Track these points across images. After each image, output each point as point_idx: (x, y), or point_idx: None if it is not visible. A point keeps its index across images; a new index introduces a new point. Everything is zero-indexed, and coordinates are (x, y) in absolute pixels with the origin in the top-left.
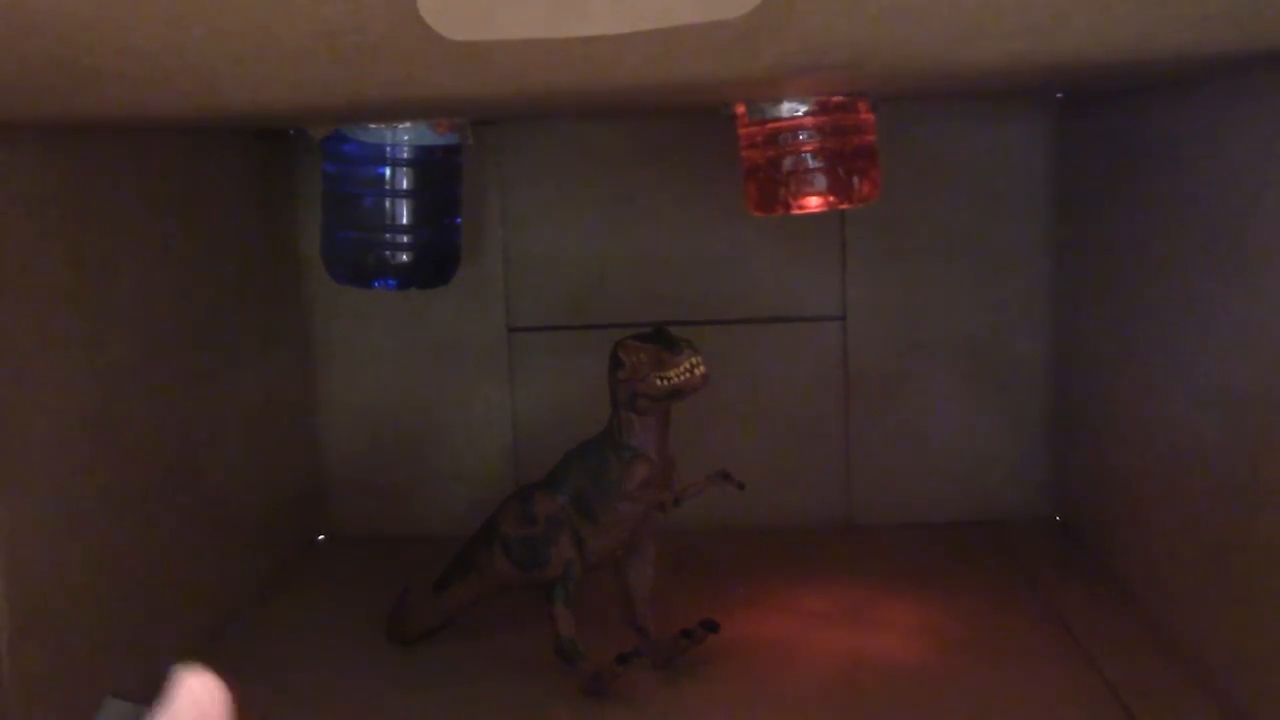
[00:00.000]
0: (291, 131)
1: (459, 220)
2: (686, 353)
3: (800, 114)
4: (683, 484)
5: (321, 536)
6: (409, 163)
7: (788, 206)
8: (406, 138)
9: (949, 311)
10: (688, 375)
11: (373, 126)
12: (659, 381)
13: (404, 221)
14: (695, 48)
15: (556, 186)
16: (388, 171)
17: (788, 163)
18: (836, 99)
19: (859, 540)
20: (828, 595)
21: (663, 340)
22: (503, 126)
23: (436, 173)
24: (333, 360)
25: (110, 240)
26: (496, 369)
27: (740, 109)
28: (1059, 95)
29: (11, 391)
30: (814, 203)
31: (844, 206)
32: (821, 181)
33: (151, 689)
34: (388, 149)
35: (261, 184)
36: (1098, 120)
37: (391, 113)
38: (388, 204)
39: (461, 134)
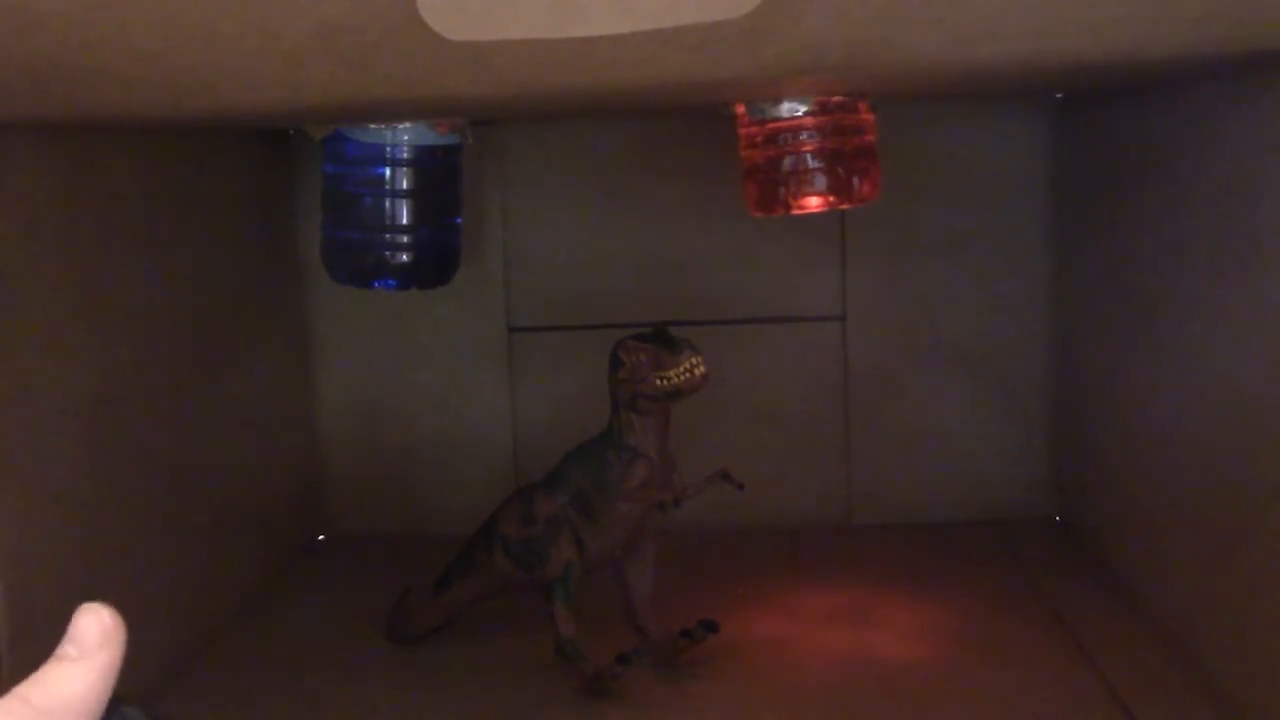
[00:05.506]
0: (291, 131)
1: (459, 220)
2: (686, 353)
3: (800, 114)
4: (683, 484)
5: (321, 536)
6: (409, 163)
7: (788, 206)
8: (406, 138)
9: (949, 311)
10: (688, 375)
11: (373, 126)
12: (659, 381)
13: (404, 221)
14: (695, 48)
15: (556, 186)
16: (388, 171)
17: (788, 163)
18: (836, 99)
19: (859, 540)
20: (828, 595)
21: (663, 340)
22: (503, 126)
23: (436, 173)
24: (333, 360)
25: (110, 240)
26: (496, 369)
27: (740, 109)
28: (1059, 95)
29: (11, 391)
30: (814, 203)
31: (844, 206)
32: (821, 181)
33: (151, 692)
34: (388, 149)
35: (261, 184)
36: (1098, 120)
37: (391, 113)
38: (388, 204)
39: (461, 134)
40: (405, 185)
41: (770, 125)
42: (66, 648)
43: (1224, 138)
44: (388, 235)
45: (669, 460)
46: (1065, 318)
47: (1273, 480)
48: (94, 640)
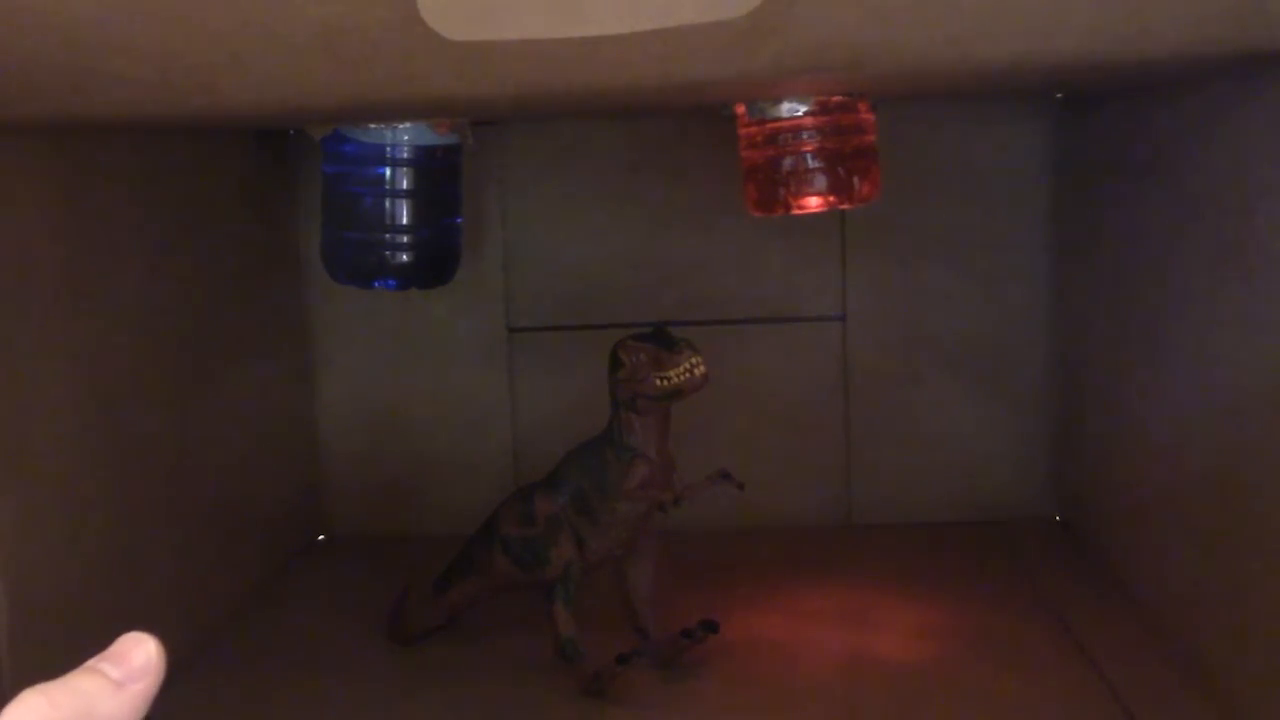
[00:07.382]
0: (291, 131)
1: (459, 220)
2: (686, 353)
3: (800, 114)
4: (683, 484)
5: (321, 536)
6: (409, 163)
7: (788, 206)
8: (406, 138)
9: (949, 311)
10: (688, 375)
11: (373, 126)
12: (659, 381)
13: (404, 221)
14: (695, 48)
15: (556, 186)
16: (388, 171)
17: (788, 163)
18: (836, 99)
19: (859, 540)
20: (828, 595)
21: (663, 340)
22: (503, 126)
23: (436, 173)
24: (333, 360)
25: (110, 240)
26: (496, 369)
27: (740, 109)
28: (1059, 95)
29: (11, 391)
30: (814, 203)
31: (844, 206)
32: (821, 181)
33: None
34: (388, 149)
35: (261, 184)
36: (1098, 120)
37: (391, 113)
38: (388, 204)
39: (461, 134)
40: (405, 185)
41: (770, 125)
42: (104, 666)
43: (1224, 138)
44: (388, 235)
45: (669, 460)
46: (1065, 317)
47: (1273, 480)
48: (138, 667)
